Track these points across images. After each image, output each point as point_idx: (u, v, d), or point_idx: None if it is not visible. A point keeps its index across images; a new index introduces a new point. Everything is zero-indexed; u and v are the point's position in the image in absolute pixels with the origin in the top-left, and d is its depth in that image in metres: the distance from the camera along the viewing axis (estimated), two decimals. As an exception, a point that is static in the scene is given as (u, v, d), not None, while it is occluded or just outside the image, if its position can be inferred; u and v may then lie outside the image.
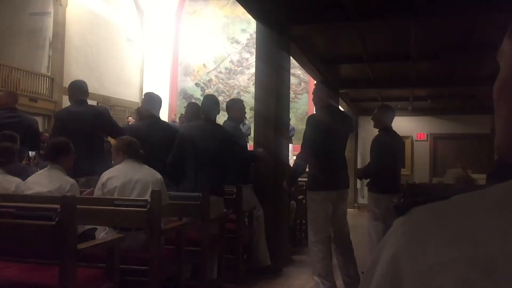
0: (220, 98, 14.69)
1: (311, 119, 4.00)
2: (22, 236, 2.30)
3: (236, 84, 15.65)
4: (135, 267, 2.89)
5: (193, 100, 14.68)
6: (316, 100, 4.03)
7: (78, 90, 4.44)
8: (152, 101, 4.46)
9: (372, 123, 4.75)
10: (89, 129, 4.27)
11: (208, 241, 3.55)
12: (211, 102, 4.26)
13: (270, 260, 4.70)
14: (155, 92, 4.81)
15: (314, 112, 4.21)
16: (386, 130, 4.61)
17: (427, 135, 12.74)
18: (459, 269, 0.37)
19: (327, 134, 3.85)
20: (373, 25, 5.62)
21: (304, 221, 6.83)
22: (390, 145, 4.53)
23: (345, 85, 9.34)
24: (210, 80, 15.97)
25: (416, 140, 12.75)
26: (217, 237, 3.88)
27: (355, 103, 11.65)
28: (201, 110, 4.25)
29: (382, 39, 6.49)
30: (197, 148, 3.94)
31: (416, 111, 12.06)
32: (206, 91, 15.31)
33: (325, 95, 3.97)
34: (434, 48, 6.75)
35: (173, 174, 3.96)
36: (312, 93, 4.17)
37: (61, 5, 12.86)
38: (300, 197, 6.62)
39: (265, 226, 4.84)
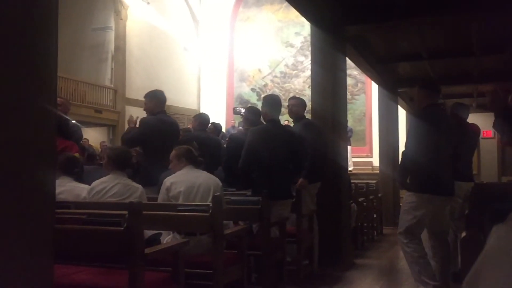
0: (276, 102, 14.74)
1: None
2: (93, 241, 2.41)
3: (291, 88, 15.63)
4: (199, 271, 2.94)
5: (249, 105, 14.81)
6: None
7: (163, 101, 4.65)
8: (274, 103, 4.31)
9: None
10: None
11: (269, 245, 3.56)
12: (274, 102, 4.26)
13: (332, 265, 4.64)
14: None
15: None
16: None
17: (494, 132, 12.14)
18: None
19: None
20: (432, 21, 5.44)
21: (365, 224, 6.70)
22: None
23: (403, 84, 9.10)
24: (265, 85, 16.05)
25: (482, 138, 12.17)
26: (278, 241, 3.88)
27: (415, 102, 11.31)
28: (265, 112, 4.22)
29: (442, 34, 6.26)
30: (268, 151, 3.96)
31: (481, 108, 11.52)
32: (262, 95, 15.40)
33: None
34: (498, 41, 6.43)
35: (244, 178, 4.01)
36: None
37: (121, 19, 13.42)
38: (360, 199, 6.50)
39: (325, 229, 4.78)
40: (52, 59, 1.54)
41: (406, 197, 3.75)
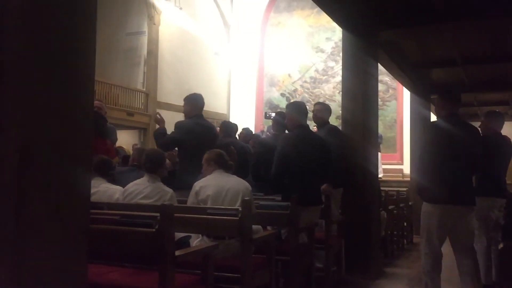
0: (306, 108, 14.70)
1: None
2: (125, 242, 2.45)
3: (321, 93, 15.57)
4: (228, 274, 2.95)
5: (279, 110, 14.81)
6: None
7: (199, 105, 4.61)
8: (301, 109, 4.26)
9: None
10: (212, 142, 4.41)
11: (298, 251, 3.54)
12: (301, 108, 4.24)
13: (361, 272, 4.59)
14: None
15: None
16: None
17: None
18: None
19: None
20: (467, 26, 5.32)
21: (395, 233, 6.59)
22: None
23: (436, 90, 8.91)
24: (295, 90, 16.03)
25: (518, 147, 11.82)
26: (306, 247, 3.86)
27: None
28: (295, 118, 4.16)
29: (477, 39, 6.12)
30: (300, 157, 3.95)
31: (517, 116, 11.20)
32: (292, 100, 15.38)
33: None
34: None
35: (277, 185, 4.01)
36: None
37: (154, 24, 13.66)
38: (391, 207, 6.40)
39: (354, 237, 4.73)
40: (90, 63, 1.59)
41: (422, 207, 3.69)
